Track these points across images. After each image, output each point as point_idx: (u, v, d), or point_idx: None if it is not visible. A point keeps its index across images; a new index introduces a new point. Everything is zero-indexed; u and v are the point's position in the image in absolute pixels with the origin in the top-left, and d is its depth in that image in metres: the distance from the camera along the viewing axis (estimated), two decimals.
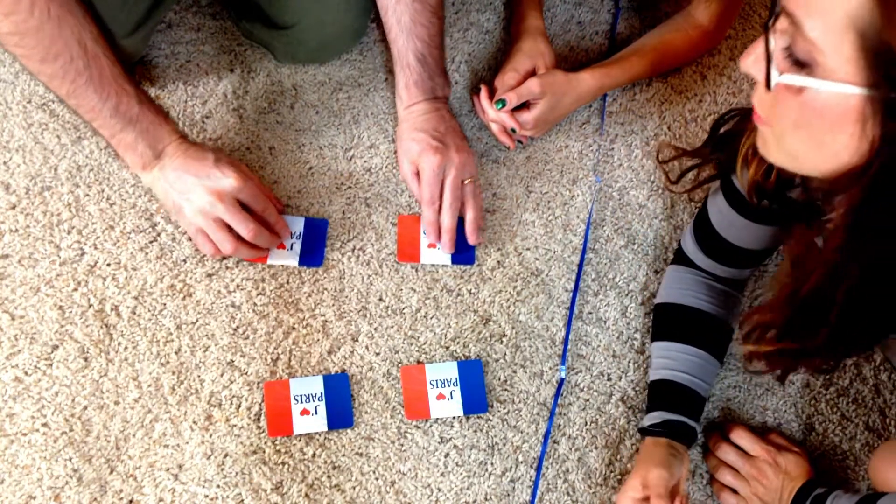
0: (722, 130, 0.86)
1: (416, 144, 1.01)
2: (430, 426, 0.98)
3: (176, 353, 0.97)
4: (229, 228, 0.93)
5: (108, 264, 0.99)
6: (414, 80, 1.02)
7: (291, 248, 1.02)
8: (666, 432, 0.93)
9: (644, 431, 0.95)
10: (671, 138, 1.17)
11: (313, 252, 1.03)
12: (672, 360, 0.96)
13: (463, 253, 1.05)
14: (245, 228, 0.93)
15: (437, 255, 1.05)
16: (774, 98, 0.62)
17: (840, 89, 0.56)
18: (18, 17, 0.79)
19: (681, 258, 1.02)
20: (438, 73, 1.04)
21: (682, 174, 0.95)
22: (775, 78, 0.60)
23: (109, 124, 0.90)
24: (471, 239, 1.04)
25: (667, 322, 0.99)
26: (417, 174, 1.02)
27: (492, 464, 0.98)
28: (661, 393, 0.96)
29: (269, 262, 1.01)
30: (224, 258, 1.01)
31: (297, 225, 1.03)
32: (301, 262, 1.02)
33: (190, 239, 1.00)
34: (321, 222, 1.04)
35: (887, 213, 0.59)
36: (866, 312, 0.65)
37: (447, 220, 1.02)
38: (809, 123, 0.60)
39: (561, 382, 1.02)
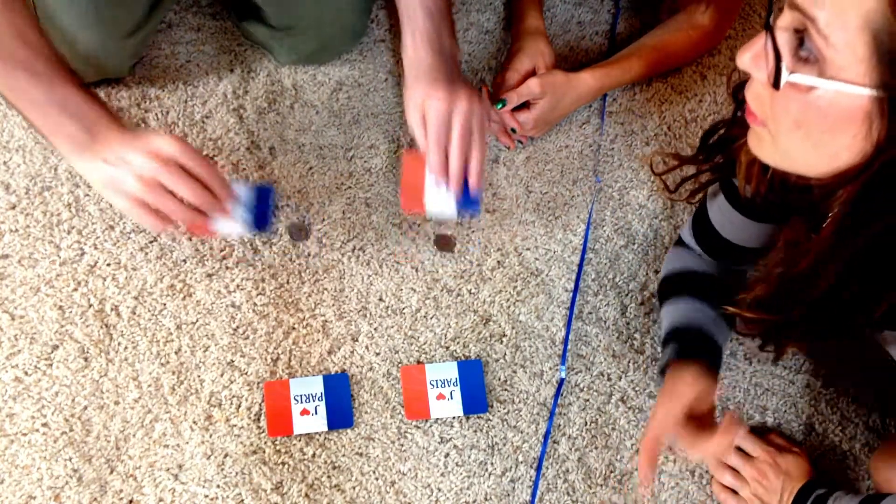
0: (711, 141, 0.86)
1: (421, 88, 0.94)
2: (430, 426, 0.98)
3: (176, 353, 0.97)
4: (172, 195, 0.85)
5: (108, 264, 0.99)
6: (420, 31, 0.95)
7: (237, 217, 0.91)
8: (692, 352, 0.87)
9: (665, 366, 0.89)
10: (671, 138, 1.17)
11: (261, 217, 0.92)
12: (682, 312, 0.93)
13: (468, 200, 0.98)
14: (191, 191, 0.84)
15: (441, 202, 0.97)
16: (773, 96, 0.61)
17: (849, 90, 0.55)
18: None
19: (680, 243, 1.01)
20: (446, 29, 0.97)
21: (680, 183, 0.94)
22: (785, 76, 0.59)
23: (41, 109, 0.84)
24: (473, 181, 0.95)
25: (671, 288, 0.97)
26: (425, 122, 0.94)
27: (492, 464, 0.98)
28: (676, 337, 0.91)
29: (214, 229, 0.91)
30: (224, 258, 1.01)
31: (241, 191, 0.92)
32: (252, 230, 0.92)
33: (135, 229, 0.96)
34: (266, 187, 0.94)
35: (880, 210, 0.59)
36: (843, 300, 0.67)
37: (455, 164, 0.94)
38: (810, 123, 0.59)
39: (561, 382, 1.02)
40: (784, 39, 0.58)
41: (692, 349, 0.89)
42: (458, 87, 0.94)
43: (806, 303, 0.68)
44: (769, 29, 0.59)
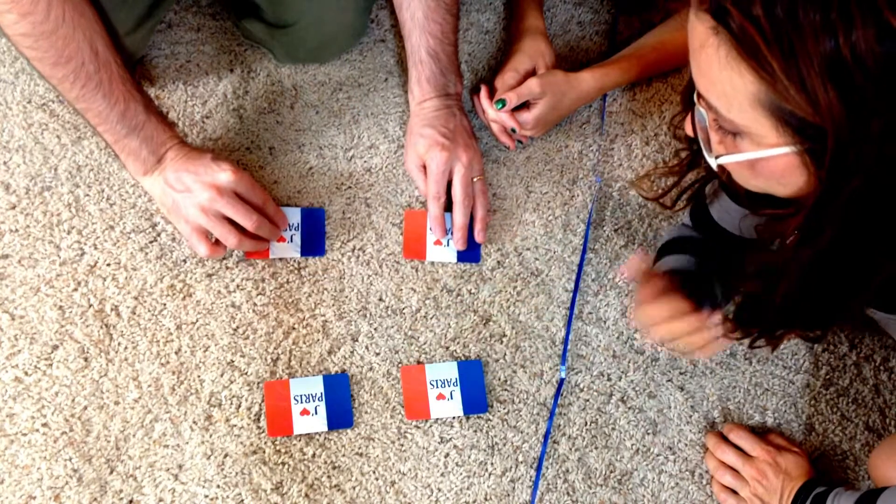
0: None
1: (423, 140, 1.02)
2: (430, 426, 0.98)
3: (176, 353, 0.97)
4: (230, 222, 0.93)
5: (108, 264, 0.99)
6: (426, 77, 1.03)
7: (291, 240, 1.02)
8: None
9: None
10: (671, 138, 1.17)
11: (314, 242, 1.03)
12: (673, 262, 0.95)
13: (469, 251, 1.05)
14: (248, 219, 0.92)
15: (442, 252, 1.05)
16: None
17: (773, 152, 0.60)
18: (35, 19, 0.81)
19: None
20: (451, 70, 1.04)
21: (678, 196, 0.93)
22: (713, 162, 0.66)
23: (115, 130, 0.91)
24: (478, 237, 1.04)
25: (665, 250, 0.98)
26: (424, 170, 1.03)
27: (492, 464, 0.98)
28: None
29: (271, 256, 1.01)
30: (224, 258, 1.01)
31: (295, 216, 1.03)
32: (303, 253, 1.02)
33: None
34: (318, 211, 1.04)
35: (828, 227, 0.63)
36: (805, 298, 0.72)
37: (459, 218, 1.02)
38: (762, 176, 0.65)
39: (561, 382, 1.02)
40: (710, 115, 0.63)
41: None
42: (458, 139, 1.02)
43: (772, 307, 0.73)
44: (692, 108, 0.66)
